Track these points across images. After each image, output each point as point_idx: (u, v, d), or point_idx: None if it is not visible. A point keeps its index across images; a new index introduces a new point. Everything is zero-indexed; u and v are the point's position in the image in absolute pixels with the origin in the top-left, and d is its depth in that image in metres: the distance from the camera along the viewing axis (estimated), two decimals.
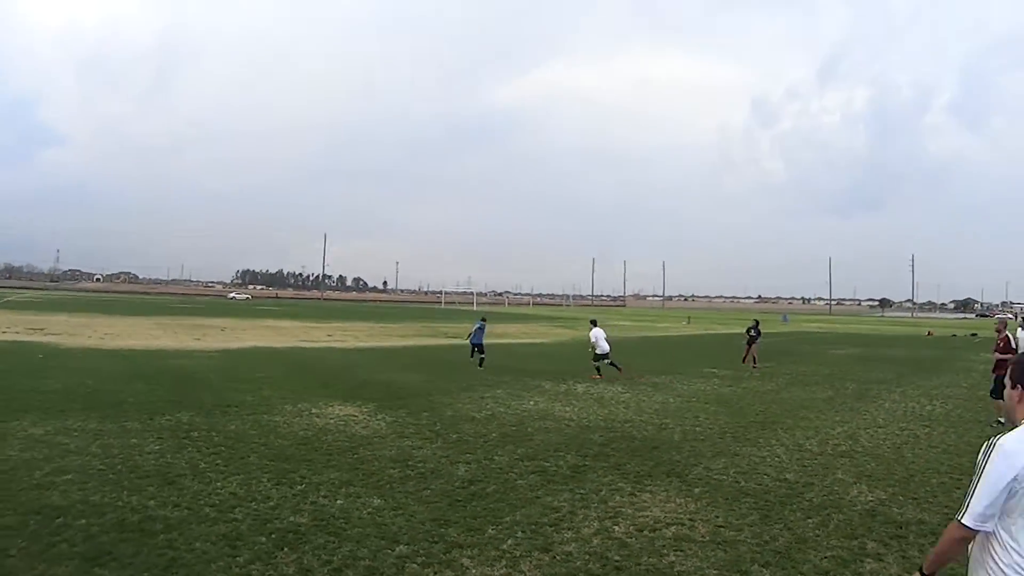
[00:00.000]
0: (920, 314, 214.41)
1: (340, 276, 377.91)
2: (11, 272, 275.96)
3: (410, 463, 12.37)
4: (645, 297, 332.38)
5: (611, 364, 27.05)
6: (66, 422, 14.61)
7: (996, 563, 3.90)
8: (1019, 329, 25.54)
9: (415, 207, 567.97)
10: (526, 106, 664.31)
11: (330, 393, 20.16)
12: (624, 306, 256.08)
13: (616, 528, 9.17)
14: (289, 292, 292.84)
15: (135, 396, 18.35)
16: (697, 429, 16.48)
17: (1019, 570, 3.81)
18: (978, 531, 3.92)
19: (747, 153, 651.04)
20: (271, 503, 9.71)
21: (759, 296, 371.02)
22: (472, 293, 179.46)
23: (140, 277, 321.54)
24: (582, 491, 10.88)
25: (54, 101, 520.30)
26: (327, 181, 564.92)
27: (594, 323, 28.45)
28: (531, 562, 7.83)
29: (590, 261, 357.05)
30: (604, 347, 27.25)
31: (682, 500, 10.58)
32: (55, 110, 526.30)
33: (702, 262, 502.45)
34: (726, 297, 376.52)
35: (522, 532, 8.90)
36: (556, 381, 24.84)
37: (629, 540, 8.66)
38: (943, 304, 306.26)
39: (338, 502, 9.89)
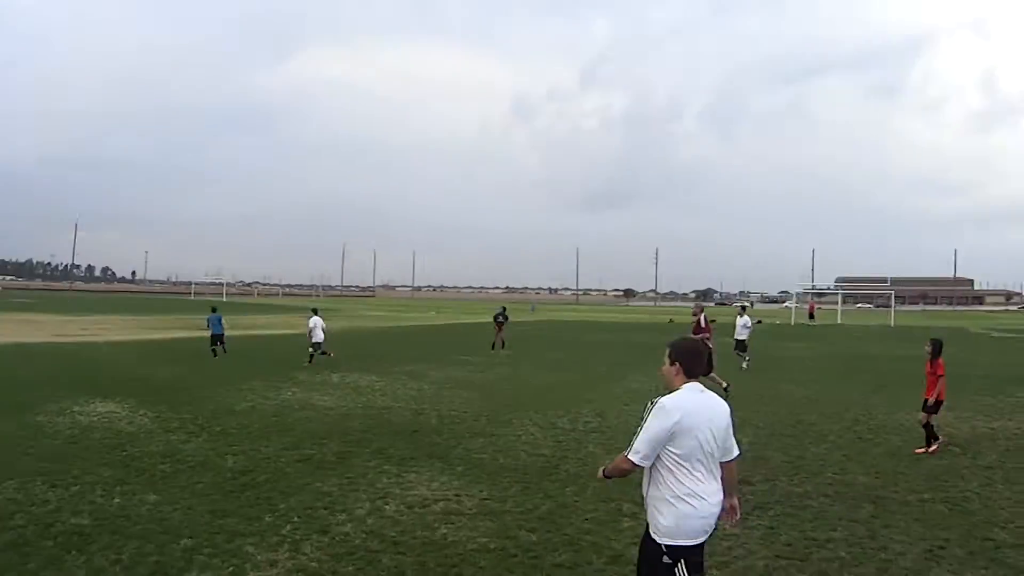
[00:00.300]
0: (663, 303, 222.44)
1: (89, 266, 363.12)
2: None
3: (179, 457, 12.48)
4: (394, 288, 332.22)
5: (323, 353, 28.33)
6: None
7: (662, 492, 5.24)
8: (739, 316, 27.93)
9: (165, 197, 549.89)
10: (285, 95, 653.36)
11: (91, 390, 19.80)
12: (373, 296, 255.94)
13: (387, 507, 9.69)
14: (38, 283, 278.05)
15: None
16: (453, 413, 17.24)
17: (675, 496, 5.16)
18: (640, 466, 5.27)
19: (504, 150, 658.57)
20: (50, 506, 9.64)
21: (507, 287, 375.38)
22: (222, 284, 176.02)
23: None
24: (350, 475, 11.35)
25: None
26: (77, 169, 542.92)
27: (315, 311, 29.99)
28: (312, 544, 8.22)
29: (340, 250, 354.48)
30: (319, 336, 28.66)
31: (446, 479, 11.23)
32: None
33: (454, 254, 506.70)
34: (475, 288, 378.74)
35: (298, 517, 9.28)
36: (311, 372, 25.15)
37: (401, 518, 9.17)
38: (685, 294, 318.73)
39: (115, 500, 9.93)
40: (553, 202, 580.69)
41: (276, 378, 23.33)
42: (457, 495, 10.36)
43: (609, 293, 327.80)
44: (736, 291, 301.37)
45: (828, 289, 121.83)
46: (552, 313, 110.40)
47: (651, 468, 5.33)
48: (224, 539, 8.48)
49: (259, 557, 7.95)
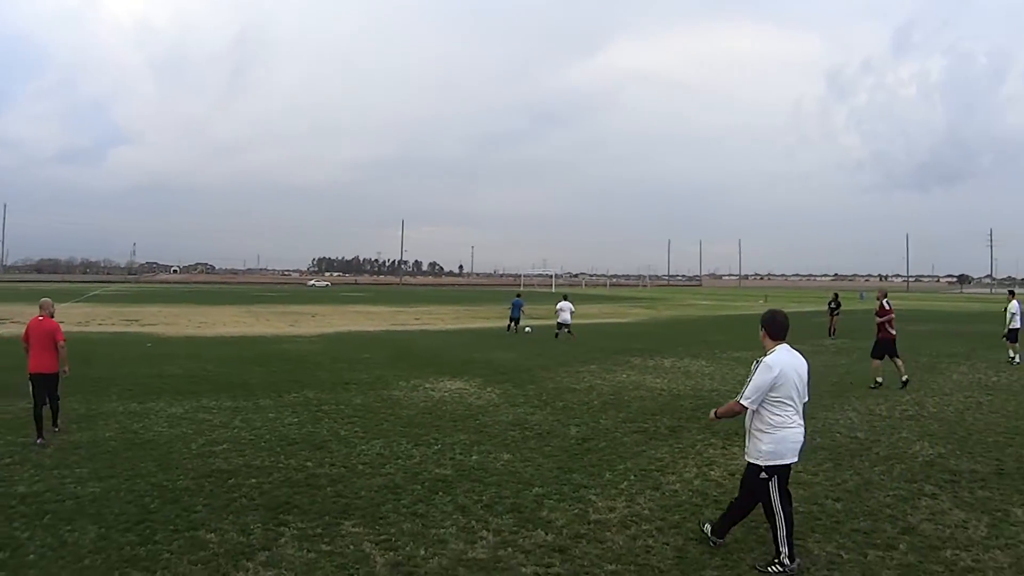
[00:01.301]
0: (999, 290, 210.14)
1: (416, 261, 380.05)
2: (88, 267, 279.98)
3: (526, 426, 14.11)
4: (721, 276, 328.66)
5: (568, 332, 34.42)
6: (201, 401, 16.20)
7: (763, 425, 7.51)
8: (1013, 302, 26.88)
9: (489, 193, 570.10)
10: (597, 88, 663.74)
11: (437, 370, 21.84)
12: (700, 285, 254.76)
13: (712, 473, 10.86)
14: (367, 278, 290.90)
15: (256, 377, 20.04)
16: None
17: (773, 427, 7.46)
18: (748, 408, 7.51)
19: (822, 129, 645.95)
20: (415, 460, 11.40)
21: (836, 274, 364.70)
22: (550, 275, 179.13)
23: (216, 268, 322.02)
24: (680, 446, 12.57)
25: (128, 102, 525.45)
26: (402, 171, 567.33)
27: (565, 297, 36.91)
28: (645, 497, 9.49)
29: (665, 241, 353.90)
30: (565, 318, 34.62)
31: None
32: (129, 110, 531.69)
33: (778, 241, 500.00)
34: (802, 275, 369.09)
35: (634, 476, 10.62)
36: (644, 357, 26.51)
37: (724, 482, 10.28)
38: None
39: (473, 457, 11.61)
40: (878, 181, 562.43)
41: (611, 363, 24.79)
42: None
43: (942, 279, 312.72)
44: None
45: None
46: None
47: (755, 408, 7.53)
48: (570, 489, 9.94)
49: (600, 504, 9.34)
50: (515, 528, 8.40)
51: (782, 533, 7.49)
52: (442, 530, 8.28)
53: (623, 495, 9.74)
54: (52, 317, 12.89)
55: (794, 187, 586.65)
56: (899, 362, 20.56)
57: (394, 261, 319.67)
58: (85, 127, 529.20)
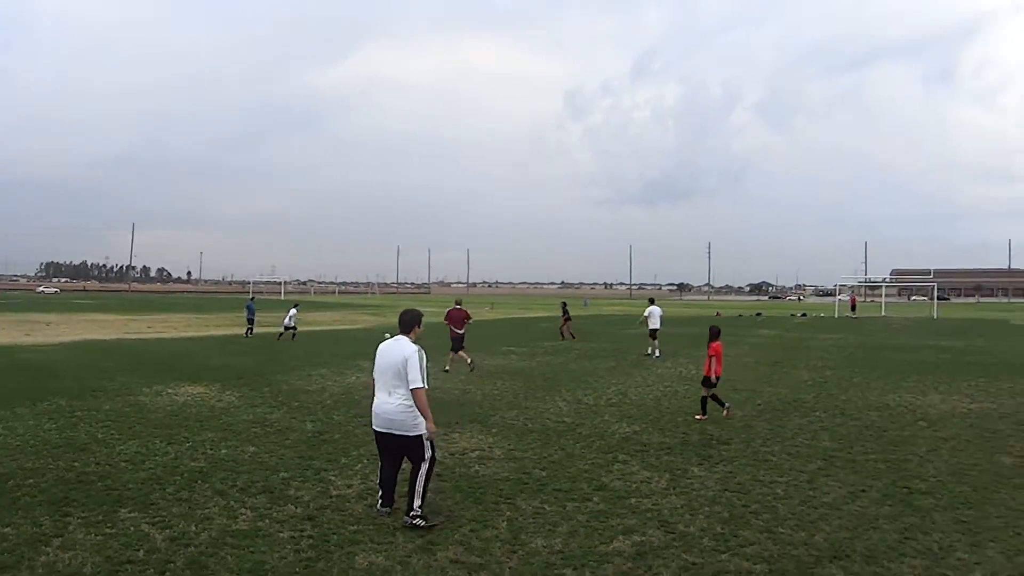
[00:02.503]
0: (716, 297, 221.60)
1: (144, 267, 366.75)
2: None
3: (267, 423, 15.26)
4: (450, 284, 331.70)
5: (293, 335, 38.82)
6: None
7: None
8: (651, 307, 32.03)
9: (219, 197, 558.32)
10: (337, 93, 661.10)
11: (176, 377, 22.48)
12: (429, 293, 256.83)
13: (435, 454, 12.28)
14: (95, 284, 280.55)
15: (4, 387, 19.92)
16: (495, 392, 19.94)
17: (375, 401, 9.45)
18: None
19: (558, 144, 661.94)
20: (171, 456, 12.30)
21: (562, 282, 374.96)
22: (280, 282, 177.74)
23: None
24: None
25: None
26: (130, 172, 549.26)
27: (295, 305, 42.76)
28: (377, 476, 10.60)
29: (395, 248, 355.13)
30: (286, 322, 38.95)
31: (483, 436, 14.01)
32: None
33: (507, 249, 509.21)
34: (530, 283, 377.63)
35: (367, 460, 11.99)
36: (371, 360, 27.39)
37: (446, 460, 11.76)
38: (740, 287, 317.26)
39: (223, 451, 12.65)
40: (608, 196, 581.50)
41: (340, 366, 26.17)
42: (490, 447, 13.09)
43: (663, 288, 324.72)
44: (791, 284, 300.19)
45: (882, 282, 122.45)
46: (604, 307, 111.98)
47: None
48: (312, 473, 11.27)
49: (339, 483, 10.74)
50: (268, 505, 9.61)
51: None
52: (207, 510, 9.35)
53: (358, 475, 11.18)
54: None
55: (526, 199, 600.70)
56: (463, 354, 25.09)
57: (122, 267, 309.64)
58: None
